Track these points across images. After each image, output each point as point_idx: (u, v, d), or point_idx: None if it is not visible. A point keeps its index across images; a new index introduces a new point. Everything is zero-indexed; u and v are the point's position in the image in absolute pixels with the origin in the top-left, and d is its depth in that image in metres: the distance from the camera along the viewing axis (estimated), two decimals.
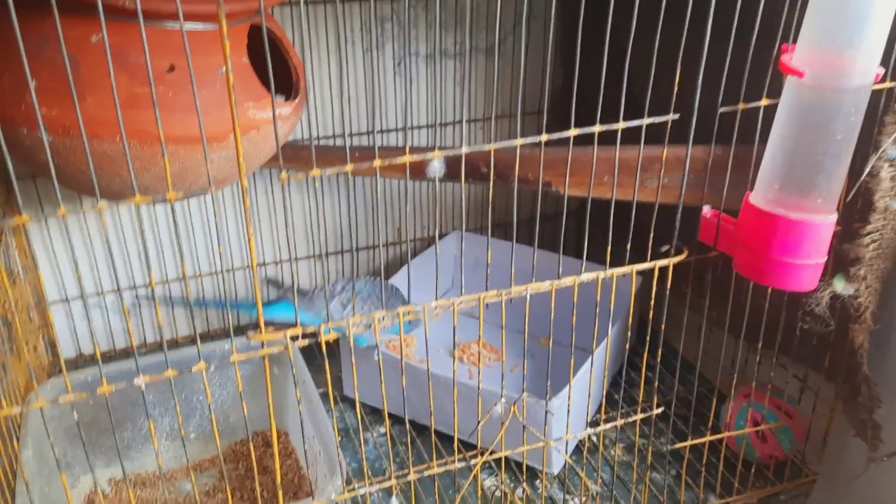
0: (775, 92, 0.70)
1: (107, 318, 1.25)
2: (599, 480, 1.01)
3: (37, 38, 0.76)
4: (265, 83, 0.83)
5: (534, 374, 1.18)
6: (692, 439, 0.90)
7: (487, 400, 0.86)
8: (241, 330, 1.30)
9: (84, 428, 1.00)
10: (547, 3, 1.29)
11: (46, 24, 0.75)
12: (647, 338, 0.82)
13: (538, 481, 1.00)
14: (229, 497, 0.76)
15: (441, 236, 1.36)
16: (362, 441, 0.87)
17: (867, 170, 0.75)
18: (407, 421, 0.76)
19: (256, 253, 1.29)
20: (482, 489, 0.99)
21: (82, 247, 1.19)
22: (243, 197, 0.59)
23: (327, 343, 0.66)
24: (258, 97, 0.82)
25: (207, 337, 1.32)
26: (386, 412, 0.78)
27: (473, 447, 0.80)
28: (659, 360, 0.84)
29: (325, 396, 1.17)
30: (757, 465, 0.97)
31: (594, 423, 0.86)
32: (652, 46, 0.67)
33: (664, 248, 0.77)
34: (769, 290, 0.82)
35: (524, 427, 0.80)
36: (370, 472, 1.03)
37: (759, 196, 0.71)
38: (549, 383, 0.81)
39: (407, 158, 0.63)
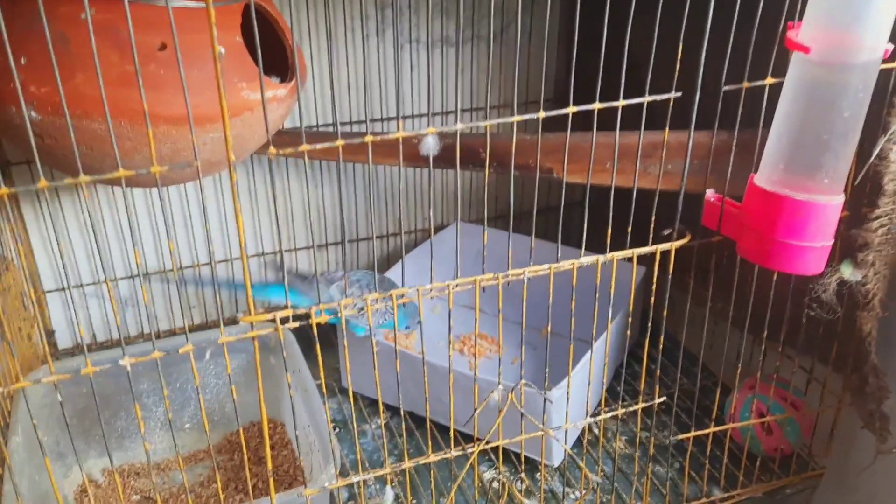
0: (781, 71, 0.68)
1: (104, 307, 1.24)
2: (601, 473, 0.99)
3: (28, 13, 0.75)
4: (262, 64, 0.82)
5: (536, 365, 1.16)
6: (695, 431, 0.88)
7: (485, 389, 0.84)
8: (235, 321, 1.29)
9: (77, 416, 1.00)
10: None
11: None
12: (649, 327, 0.81)
13: (538, 474, 0.98)
14: (220, 488, 0.75)
15: (442, 227, 1.34)
16: (356, 431, 0.85)
17: (875, 152, 0.73)
18: (402, 409, 0.75)
19: (256, 242, 1.27)
20: (481, 481, 0.97)
21: (79, 235, 1.18)
22: (230, 172, 0.57)
23: (326, 333, 0.65)
24: (252, 77, 0.80)
25: (206, 327, 1.30)
26: (381, 401, 0.76)
27: (478, 440, 0.78)
28: (661, 350, 0.82)
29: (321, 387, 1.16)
30: (762, 458, 0.95)
31: (595, 415, 0.84)
32: (653, 23, 0.65)
33: (666, 232, 0.76)
34: (774, 279, 0.80)
35: (522, 415, 0.78)
36: (368, 464, 1.01)
37: (764, 177, 0.69)
38: (547, 370, 0.79)
39: (400, 135, 0.61)
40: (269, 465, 0.70)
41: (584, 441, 0.99)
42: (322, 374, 0.74)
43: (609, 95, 0.66)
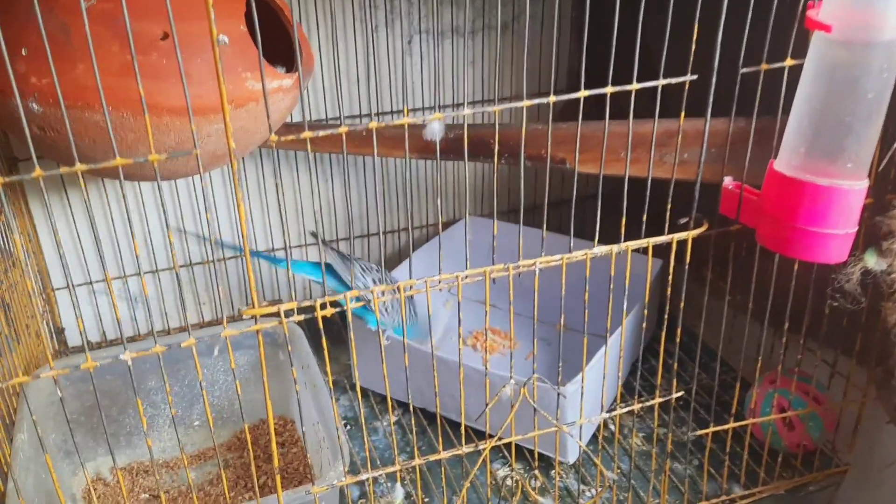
0: (801, 52, 0.65)
1: (112, 305, 1.23)
2: (617, 470, 0.96)
3: (29, 2, 0.73)
4: (265, 53, 0.80)
5: (551, 360, 1.14)
6: (714, 427, 0.85)
7: (497, 384, 0.82)
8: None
9: (86, 414, 0.99)
10: None
11: None
12: (665, 321, 0.78)
13: (553, 471, 0.96)
14: (225, 486, 0.73)
15: (454, 221, 1.32)
16: (364, 428, 0.83)
17: None
18: (411, 406, 0.73)
19: (267, 237, 1.26)
20: (494, 478, 0.95)
21: (88, 232, 1.17)
22: (231, 160, 0.55)
23: (338, 330, 0.63)
24: (257, 67, 0.79)
25: (217, 324, 1.29)
26: (389, 397, 0.74)
27: (491, 436, 0.76)
28: (678, 344, 0.80)
29: (333, 383, 1.15)
30: (784, 455, 0.92)
31: (611, 411, 0.82)
32: (667, 7, 0.63)
33: (683, 221, 0.73)
34: (795, 270, 0.78)
35: (535, 410, 0.76)
36: (380, 461, 0.99)
37: (784, 162, 0.66)
38: (560, 365, 0.77)
39: (405, 120, 0.59)
40: (276, 463, 0.68)
41: (600, 437, 0.97)
42: (328, 369, 0.72)
43: (622, 83, 0.64)
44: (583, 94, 0.63)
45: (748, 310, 0.81)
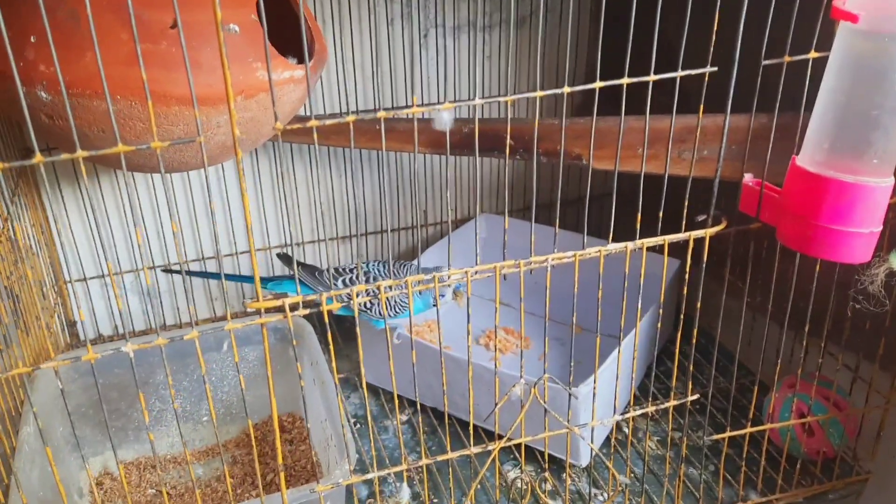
0: (825, 45, 0.63)
1: (126, 300, 1.22)
2: (630, 474, 0.94)
3: None
4: (278, 43, 0.79)
5: (564, 360, 1.12)
6: (731, 432, 0.83)
7: (507, 384, 0.80)
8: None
9: (94, 407, 0.98)
10: None
11: None
12: (681, 322, 0.76)
13: (565, 474, 0.94)
14: (228, 483, 0.72)
15: (467, 219, 1.30)
16: (371, 426, 0.82)
17: None
18: (419, 404, 0.72)
19: (280, 234, 1.25)
20: (504, 480, 0.93)
21: (101, 225, 1.16)
22: (234, 148, 0.54)
23: (350, 326, 0.62)
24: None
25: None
26: (396, 395, 0.73)
27: (501, 437, 0.74)
28: (694, 346, 0.78)
29: (344, 381, 1.13)
30: (803, 461, 0.90)
31: (624, 413, 0.80)
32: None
33: (700, 218, 0.71)
34: (817, 270, 0.75)
35: (545, 410, 0.74)
36: (389, 461, 0.98)
37: (807, 157, 0.64)
38: (572, 363, 0.75)
39: (415, 110, 0.58)
40: (280, 460, 0.67)
41: (613, 440, 0.95)
42: (334, 365, 0.71)
43: (639, 75, 0.62)
44: (598, 84, 0.61)
45: (767, 311, 0.79)
